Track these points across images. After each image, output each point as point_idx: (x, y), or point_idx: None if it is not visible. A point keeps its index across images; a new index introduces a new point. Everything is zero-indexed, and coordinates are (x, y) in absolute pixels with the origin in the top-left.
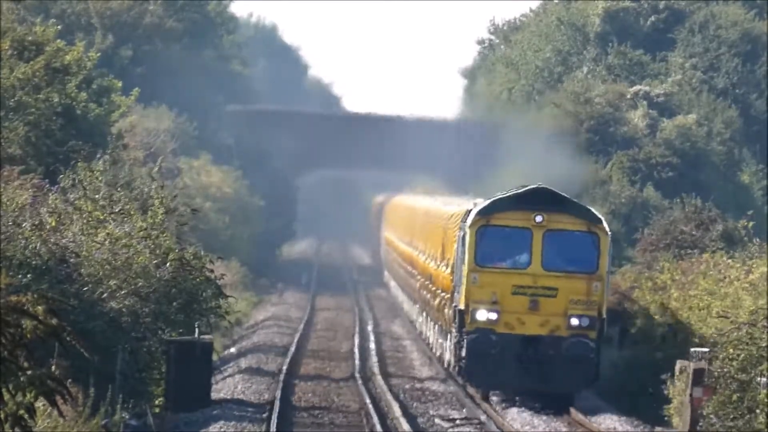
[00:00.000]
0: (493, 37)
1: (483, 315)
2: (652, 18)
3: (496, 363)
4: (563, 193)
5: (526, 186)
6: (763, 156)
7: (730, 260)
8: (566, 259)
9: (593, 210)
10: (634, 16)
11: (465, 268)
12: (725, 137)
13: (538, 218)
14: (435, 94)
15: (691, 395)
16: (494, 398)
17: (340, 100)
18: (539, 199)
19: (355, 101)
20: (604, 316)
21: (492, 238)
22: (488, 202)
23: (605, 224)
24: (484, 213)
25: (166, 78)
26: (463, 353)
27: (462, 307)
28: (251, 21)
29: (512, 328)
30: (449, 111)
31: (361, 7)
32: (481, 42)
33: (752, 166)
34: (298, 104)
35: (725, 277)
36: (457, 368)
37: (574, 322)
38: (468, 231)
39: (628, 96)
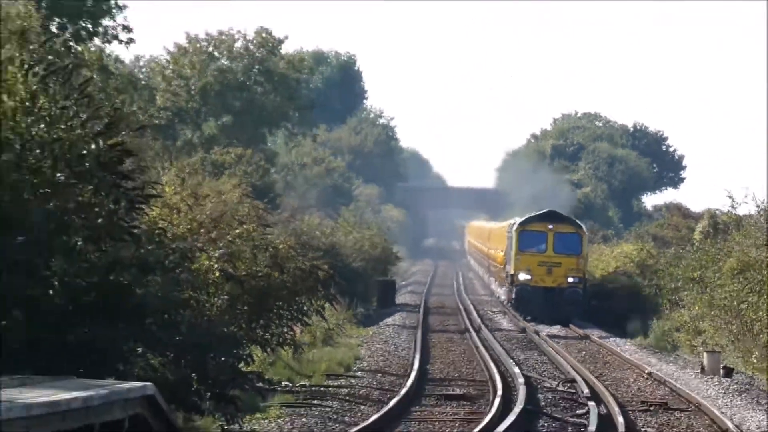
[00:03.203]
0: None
1: (523, 276)
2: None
3: (530, 302)
4: (563, 213)
5: (543, 210)
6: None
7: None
8: (565, 247)
9: (578, 221)
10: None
11: (513, 253)
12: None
13: (550, 226)
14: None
15: None
16: (533, 323)
17: (445, 180)
18: (551, 216)
19: (453, 175)
20: (586, 277)
21: (526, 236)
22: (525, 218)
23: (584, 228)
24: (522, 224)
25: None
26: (513, 296)
27: (512, 272)
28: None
29: (537, 283)
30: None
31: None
32: (509, 152)
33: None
34: (427, 183)
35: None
36: (509, 303)
37: (570, 280)
38: (514, 233)
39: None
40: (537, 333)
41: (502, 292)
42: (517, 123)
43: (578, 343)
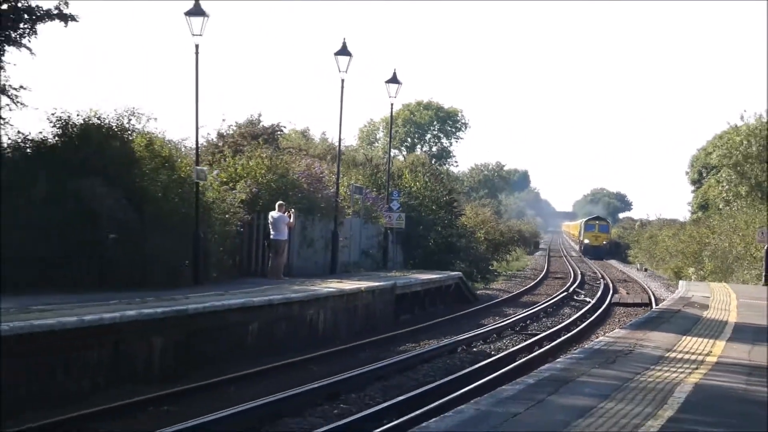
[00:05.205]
0: None
1: (586, 241)
2: (597, 201)
3: (589, 251)
4: (601, 216)
5: (595, 215)
6: None
7: None
8: (602, 230)
9: (607, 219)
10: None
11: (582, 231)
12: None
13: (597, 222)
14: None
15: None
16: (588, 257)
17: (555, 208)
18: (597, 218)
19: (559, 205)
20: (610, 241)
21: (588, 226)
22: (587, 218)
23: (610, 222)
24: (586, 221)
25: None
26: (582, 249)
27: (581, 239)
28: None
29: (592, 244)
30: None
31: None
32: (576, 200)
33: None
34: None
35: None
36: (580, 251)
37: (604, 243)
38: (583, 224)
39: None
40: (587, 258)
41: (576, 247)
42: (577, 187)
43: (599, 262)
